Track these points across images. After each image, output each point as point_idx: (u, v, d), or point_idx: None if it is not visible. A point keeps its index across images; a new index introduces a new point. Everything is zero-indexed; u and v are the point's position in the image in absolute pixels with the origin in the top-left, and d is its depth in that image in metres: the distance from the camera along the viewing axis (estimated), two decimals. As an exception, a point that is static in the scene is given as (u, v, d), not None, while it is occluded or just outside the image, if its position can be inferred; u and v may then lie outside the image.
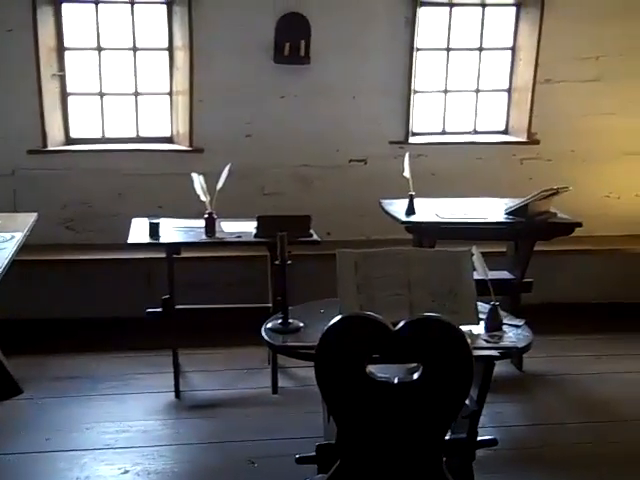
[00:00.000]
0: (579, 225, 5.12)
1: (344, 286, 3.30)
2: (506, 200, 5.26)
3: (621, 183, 6.21)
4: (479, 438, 3.58)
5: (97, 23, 5.59)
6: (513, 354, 3.52)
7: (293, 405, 4.68)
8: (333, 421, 2.89)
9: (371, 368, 2.80)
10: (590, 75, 5.95)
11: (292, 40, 5.55)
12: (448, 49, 5.98)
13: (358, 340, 2.71)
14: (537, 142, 6.02)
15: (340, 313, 2.90)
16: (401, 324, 2.71)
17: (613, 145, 6.11)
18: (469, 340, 2.79)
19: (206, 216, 4.68)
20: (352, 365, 2.72)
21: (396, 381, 2.76)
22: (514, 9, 5.98)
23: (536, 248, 5.29)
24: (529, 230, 5.08)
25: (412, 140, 5.93)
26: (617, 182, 6.21)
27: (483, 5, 5.93)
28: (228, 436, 4.34)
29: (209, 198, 4.70)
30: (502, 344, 3.34)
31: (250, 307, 4.98)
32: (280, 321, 3.37)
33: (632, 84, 6.00)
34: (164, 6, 5.64)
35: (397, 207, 5.13)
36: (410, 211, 5.02)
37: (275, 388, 4.85)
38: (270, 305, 4.79)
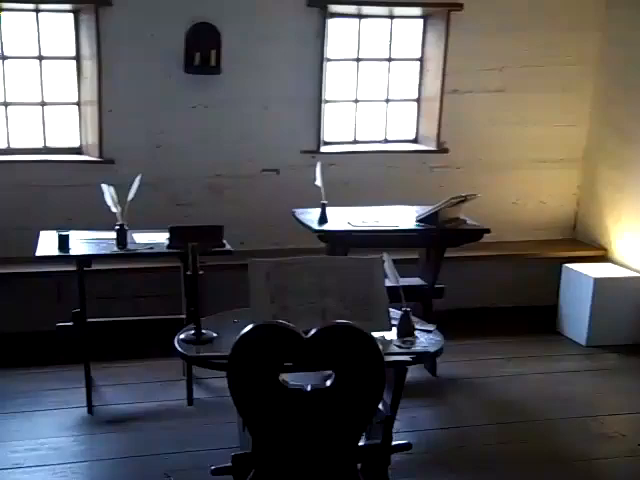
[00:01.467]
0: (487, 231, 5.25)
1: (256, 295, 3.30)
2: (417, 208, 5.35)
3: (527, 190, 6.39)
4: (394, 443, 3.62)
5: (0, 31, 5.45)
6: (425, 359, 3.58)
7: (209, 416, 4.65)
8: (248, 431, 2.89)
9: (285, 376, 2.82)
10: (495, 86, 6.12)
11: (202, 50, 5.52)
12: (358, 59, 6.06)
13: (270, 349, 2.71)
14: (446, 151, 6.15)
15: (253, 322, 2.91)
16: (312, 332, 2.73)
17: (519, 153, 6.29)
18: (381, 346, 2.84)
19: (117, 228, 4.61)
20: (265, 374, 2.72)
21: (309, 388, 2.78)
22: (421, 21, 6.10)
23: (447, 254, 5.40)
24: (439, 237, 5.18)
25: (324, 149, 5.98)
26: (523, 189, 6.38)
27: (391, 17, 6.02)
28: (143, 450, 4.28)
29: (120, 209, 4.63)
30: (414, 349, 3.39)
31: (163, 319, 4.93)
32: (193, 332, 3.35)
33: (534, 95, 6.18)
34: (70, 14, 5.54)
35: (310, 216, 5.15)
36: (322, 220, 5.05)
37: (190, 400, 4.81)
38: (184, 316, 4.75)
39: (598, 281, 5.78)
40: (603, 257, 6.21)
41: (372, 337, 2.78)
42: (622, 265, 6.04)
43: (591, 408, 4.90)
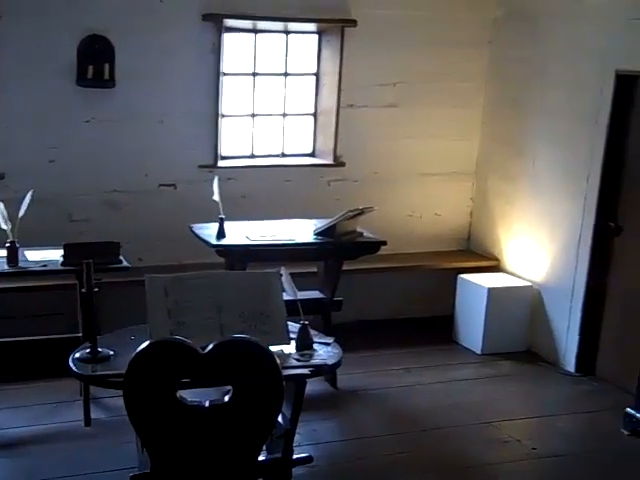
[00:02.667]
0: (384, 243, 5.34)
1: (154, 312, 3.27)
2: (315, 221, 5.40)
3: (422, 203, 6.53)
4: (295, 456, 3.63)
5: None
6: (324, 371, 3.60)
7: (106, 436, 4.55)
8: (146, 450, 2.84)
9: (182, 393, 2.79)
10: (389, 101, 6.24)
11: (95, 63, 5.43)
12: (254, 74, 6.07)
13: (166, 365, 2.68)
14: (343, 164, 6.22)
15: (150, 339, 2.87)
16: (209, 347, 2.71)
17: (414, 166, 6.42)
18: (278, 360, 2.84)
19: (7, 245, 4.48)
20: (161, 391, 2.69)
21: (207, 404, 2.76)
22: (316, 36, 6.17)
23: (345, 267, 5.46)
24: (337, 250, 5.24)
25: (221, 164, 5.96)
26: (419, 202, 6.52)
27: (287, 32, 6.07)
28: (39, 474, 4.14)
29: (10, 226, 4.50)
30: (313, 362, 3.42)
31: (59, 338, 4.81)
32: (89, 350, 3.28)
33: (428, 109, 6.34)
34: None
35: (208, 231, 5.13)
36: (220, 235, 5.04)
37: (88, 420, 4.69)
38: (80, 335, 4.64)
39: (492, 291, 5.95)
40: (496, 267, 6.40)
41: (269, 351, 2.78)
42: (514, 274, 6.24)
43: (487, 414, 5.02)
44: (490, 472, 4.41)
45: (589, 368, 5.69)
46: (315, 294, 5.43)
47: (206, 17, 5.62)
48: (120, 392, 2.85)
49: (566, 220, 5.74)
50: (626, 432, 4.84)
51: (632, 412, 4.82)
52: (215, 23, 5.65)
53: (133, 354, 2.70)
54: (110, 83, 5.50)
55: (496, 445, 4.68)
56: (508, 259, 6.36)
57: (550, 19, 5.85)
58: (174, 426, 2.74)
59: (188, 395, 2.84)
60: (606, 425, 4.96)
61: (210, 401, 2.77)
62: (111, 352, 3.29)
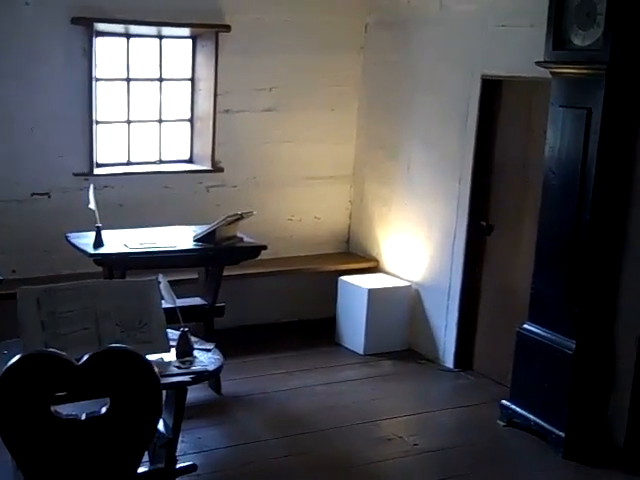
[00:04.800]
0: (264, 248, 5.36)
1: (27, 324, 3.18)
2: (194, 227, 5.36)
3: (302, 206, 6.58)
4: (178, 465, 3.60)
5: None
6: (205, 378, 3.58)
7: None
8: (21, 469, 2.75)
9: (57, 407, 2.71)
10: (266, 105, 6.26)
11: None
12: (128, 79, 5.97)
13: (39, 379, 2.60)
14: (222, 170, 6.19)
15: (23, 353, 2.77)
16: (84, 358, 2.65)
17: (292, 171, 6.47)
18: (158, 368, 2.80)
19: None
20: (35, 406, 2.60)
21: (83, 417, 2.69)
22: (190, 41, 6.13)
23: (227, 272, 5.44)
24: (217, 256, 5.22)
25: (97, 171, 5.82)
26: (298, 206, 6.56)
27: (160, 37, 6.00)
28: None
29: None
30: (193, 369, 3.40)
31: None
32: (-43, 368, 3.14)
33: (304, 114, 6.39)
34: None
35: (85, 240, 5.02)
36: (98, 243, 4.93)
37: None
38: (-52, 353, 4.44)
39: (371, 292, 6.04)
40: (375, 268, 6.51)
41: (147, 360, 2.74)
42: (393, 275, 6.37)
43: (370, 414, 5.11)
44: (374, 470, 4.48)
45: (467, 364, 5.86)
46: (196, 301, 5.40)
47: (75, 20, 5.48)
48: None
49: (441, 221, 5.90)
50: (502, 423, 5.02)
51: (507, 404, 5.01)
52: (85, 27, 5.53)
53: (3, 369, 2.60)
54: (-23, 88, 5.30)
55: (379, 443, 4.77)
56: (387, 260, 6.49)
57: (418, 25, 6.02)
58: (49, 442, 2.66)
59: (62, 409, 2.76)
60: (484, 417, 5.13)
61: (86, 413, 2.70)
62: (-18, 368, 3.16)
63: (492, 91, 5.53)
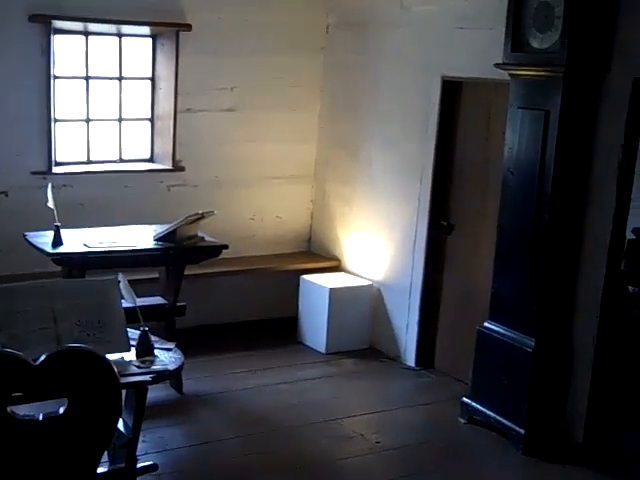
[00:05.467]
0: (226, 247, 5.35)
1: (-18, 325, 3.12)
2: (155, 226, 5.34)
3: (263, 206, 6.57)
4: (139, 465, 3.58)
5: None
6: (165, 377, 3.56)
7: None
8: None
9: (14, 408, 2.67)
10: (227, 105, 6.24)
11: None
12: (87, 78, 5.91)
13: (-4, 379, 2.57)
14: (183, 169, 6.16)
15: (-21, 354, 2.74)
16: (41, 358, 2.62)
17: (254, 170, 6.46)
18: (117, 368, 2.78)
19: None
20: (-9, 407, 2.57)
21: (41, 418, 2.66)
22: (150, 40, 6.09)
23: (188, 272, 5.42)
24: (178, 255, 5.20)
25: (56, 170, 5.76)
26: (260, 205, 6.55)
27: (119, 35, 5.95)
28: None
29: None
30: (153, 368, 3.38)
31: None
32: None
33: (266, 114, 6.39)
34: None
35: (43, 239, 4.97)
36: (57, 243, 4.88)
37: None
38: None
39: (333, 291, 6.06)
40: (337, 267, 6.53)
41: (106, 359, 2.72)
42: (354, 274, 6.39)
43: (332, 412, 5.12)
44: (336, 468, 4.50)
45: (428, 362, 5.90)
46: (157, 300, 5.38)
47: (33, 18, 5.41)
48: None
49: (402, 220, 5.94)
50: (463, 420, 5.07)
51: (468, 401, 5.05)
52: (43, 24, 5.46)
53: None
54: None
55: (341, 441, 4.78)
56: (348, 259, 6.51)
57: (379, 27, 6.04)
58: (6, 443, 2.62)
59: (19, 409, 2.73)
60: (445, 415, 5.17)
61: (44, 414, 2.67)
62: None
63: (452, 92, 5.57)
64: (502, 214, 4.87)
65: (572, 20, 4.35)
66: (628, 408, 5.29)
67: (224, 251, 5.38)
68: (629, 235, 5.27)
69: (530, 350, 4.67)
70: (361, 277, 6.32)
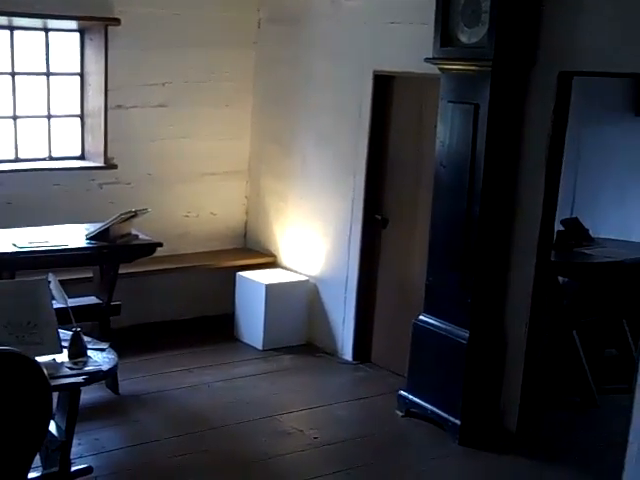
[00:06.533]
0: (160, 245, 5.30)
1: None
2: (88, 225, 5.26)
3: (198, 203, 6.52)
4: (73, 468, 3.52)
5: None
6: (99, 378, 3.51)
7: None
8: None
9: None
10: (159, 101, 6.17)
11: None
12: (13, 74, 5.78)
13: None
14: (115, 166, 6.06)
15: None
16: (-32, 362, 2.56)
17: (188, 167, 6.40)
18: (46, 370, 2.73)
19: None
20: None
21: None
22: (78, 35, 5.98)
23: (123, 270, 5.35)
24: (112, 254, 5.14)
25: (-18, 168, 5.63)
26: (194, 202, 6.50)
27: (46, 30, 5.83)
28: None
29: None
30: (86, 369, 3.33)
31: None
32: None
33: (199, 109, 6.34)
34: None
35: (-30, 240, 4.85)
36: (-16, 243, 4.78)
37: None
38: None
39: (269, 287, 6.05)
40: (273, 263, 6.52)
41: (35, 362, 2.66)
42: (290, 270, 6.38)
43: (270, 408, 5.11)
44: (275, 465, 4.49)
45: (365, 356, 5.94)
46: (92, 300, 5.30)
47: (-46, 12, 5.29)
48: None
49: (337, 215, 5.95)
50: (400, 413, 5.11)
51: (405, 394, 5.10)
52: (-33, 20, 5.34)
53: None
54: None
55: (280, 437, 4.78)
56: (284, 255, 6.50)
57: (311, 21, 6.04)
58: None
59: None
60: (382, 408, 5.21)
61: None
62: None
63: (384, 87, 5.60)
64: (435, 207, 4.93)
65: (498, 15, 4.40)
66: (561, 396, 5.42)
67: (159, 249, 5.34)
68: (558, 226, 5.38)
69: (464, 342, 4.73)
70: (297, 272, 6.32)
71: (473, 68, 4.57)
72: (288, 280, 6.23)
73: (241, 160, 6.67)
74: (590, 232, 5.75)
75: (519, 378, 4.80)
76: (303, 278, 6.25)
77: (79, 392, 3.36)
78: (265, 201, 6.62)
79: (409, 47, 5.20)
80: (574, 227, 5.69)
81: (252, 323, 6.15)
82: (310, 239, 6.24)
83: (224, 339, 6.25)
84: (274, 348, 6.08)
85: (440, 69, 4.77)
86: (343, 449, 4.68)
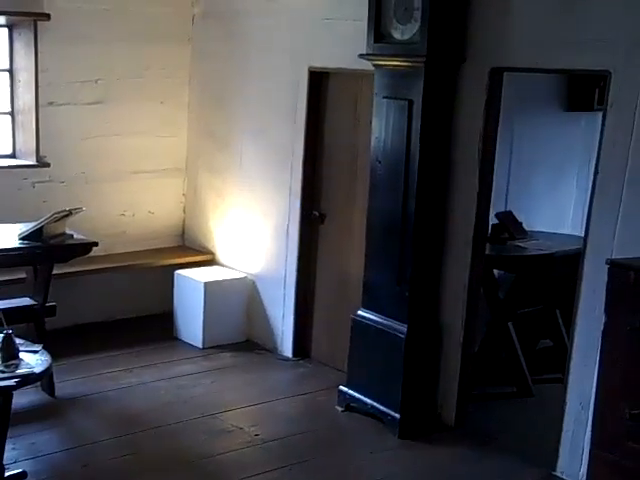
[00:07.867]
0: (95, 244, 5.22)
1: None
2: (20, 225, 5.15)
3: (134, 201, 6.45)
4: (7, 474, 3.46)
5: None
6: (31, 380, 3.46)
7: None
8: None
9: None
10: (92, 98, 6.08)
11: None
12: (-60, 71, 5.67)
13: None
14: (48, 165, 5.96)
15: None
16: None
17: (123, 165, 6.33)
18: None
19: None
20: None
21: None
22: (6, 30, 5.85)
23: (57, 271, 5.27)
24: (46, 254, 5.05)
25: None
26: (131, 200, 6.43)
27: (-26, 25, 5.72)
28: None
29: None
30: (18, 372, 3.28)
31: None
32: None
33: (134, 106, 6.27)
34: None
35: None
36: None
37: None
38: None
39: (207, 285, 6.01)
40: (211, 261, 6.48)
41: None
42: (229, 267, 6.36)
43: (210, 407, 5.09)
44: (216, 463, 4.47)
45: (305, 352, 5.95)
46: (25, 301, 5.19)
47: None
48: None
49: (274, 211, 5.95)
50: (340, 408, 5.14)
51: (345, 389, 5.13)
52: None
53: None
54: None
55: (220, 436, 4.76)
56: (222, 253, 6.47)
57: (246, 17, 6.02)
58: None
59: None
60: (323, 404, 5.23)
61: None
62: None
63: (319, 82, 5.62)
64: (371, 203, 4.95)
65: (430, 11, 4.44)
66: (497, 388, 5.51)
67: (95, 248, 5.24)
68: (492, 220, 5.46)
69: (403, 336, 4.77)
70: (235, 270, 6.30)
71: (406, 64, 4.61)
72: (226, 278, 6.20)
73: (178, 157, 6.62)
74: (524, 225, 5.85)
75: (457, 371, 4.87)
76: (241, 275, 6.23)
77: (11, 396, 3.31)
78: (202, 198, 6.58)
79: (344, 43, 5.21)
80: (508, 220, 5.77)
81: (191, 321, 6.11)
82: (248, 236, 6.22)
83: (163, 338, 6.19)
84: (214, 346, 6.06)
85: (374, 65, 4.79)
86: (284, 445, 4.69)
